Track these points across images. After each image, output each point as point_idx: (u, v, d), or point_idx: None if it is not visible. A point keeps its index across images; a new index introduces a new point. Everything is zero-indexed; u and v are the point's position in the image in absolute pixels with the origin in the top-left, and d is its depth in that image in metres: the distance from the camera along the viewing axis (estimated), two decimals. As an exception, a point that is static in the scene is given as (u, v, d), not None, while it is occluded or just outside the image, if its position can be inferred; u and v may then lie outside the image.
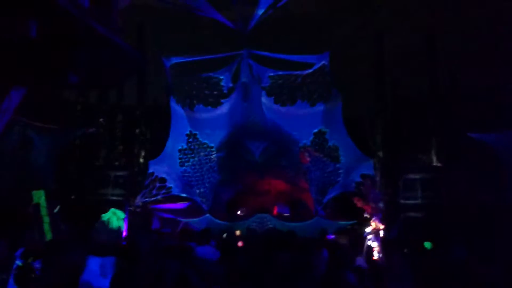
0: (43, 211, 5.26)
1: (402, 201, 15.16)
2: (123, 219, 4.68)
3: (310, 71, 15.42)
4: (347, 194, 16.83)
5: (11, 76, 3.39)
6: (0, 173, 14.91)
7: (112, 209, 4.62)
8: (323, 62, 15.20)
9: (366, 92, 19.08)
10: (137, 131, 19.68)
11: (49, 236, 5.19)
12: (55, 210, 5.30)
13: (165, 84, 16.25)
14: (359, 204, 12.07)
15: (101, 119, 20.26)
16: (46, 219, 5.18)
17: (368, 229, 10.67)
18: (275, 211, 15.91)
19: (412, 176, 13.79)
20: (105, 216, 4.37)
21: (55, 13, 3.18)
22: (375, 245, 10.14)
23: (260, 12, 14.82)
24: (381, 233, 10.58)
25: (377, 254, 9.82)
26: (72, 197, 20.08)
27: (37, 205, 5.31)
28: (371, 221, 11.03)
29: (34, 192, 5.23)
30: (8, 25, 3.01)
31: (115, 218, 4.33)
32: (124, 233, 13.49)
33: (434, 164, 17.39)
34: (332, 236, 14.64)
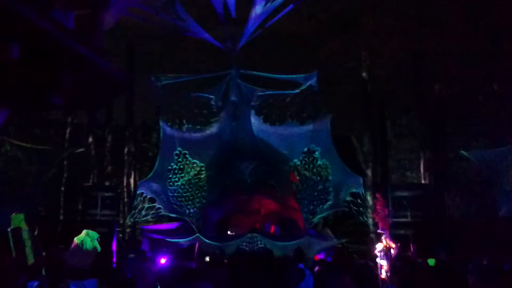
0: (25, 234, 5.19)
1: (392, 219, 15.19)
2: (97, 239, 4.63)
3: (298, 90, 15.56)
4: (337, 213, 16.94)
5: (-7, 98, 3.38)
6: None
7: (85, 230, 4.58)
8: (311, 81, 15.34)
9: (354, 111, 19.24)
10: (126, 151, 19.63)
11: (30, 259, 5.12)
12: (35, 233, 5.23)
13: (155, 104, 16.30)
14: (376, 218, 11.99)
15: (90, 139, 20.20)
16: (28, 243, 5.10)
17: (378, 247, 10.57)
18: (271, 230, 15.84)
19: (401, 193, 13.83)
20: (79, 239, 4.31)
21: (38, 35, 3.19)
22: (384, 263, 10.04)
23: (249, 32, 14.99)
24: (392, 251, 10.47)
25: (385, 273, 9.73)
26: (61, 218, 19.91)
27: (18, 229, 5.23)
28: (382, 239, 10.92)
29: (14, 216, 5.15)
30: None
31: (89, 239, 4.28)
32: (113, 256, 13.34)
33: (423, 181, 17.52)
34: (322, 255, 14.63)
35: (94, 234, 4.70)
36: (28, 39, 3.10)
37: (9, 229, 5.61)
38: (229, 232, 15.92)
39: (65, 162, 19.94)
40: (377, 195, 11.67)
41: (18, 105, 3.85)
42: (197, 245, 13.10)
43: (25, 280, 4.30)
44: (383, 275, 9.69)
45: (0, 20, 2.82)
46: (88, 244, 4.46)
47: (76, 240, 4.54)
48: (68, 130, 20.68)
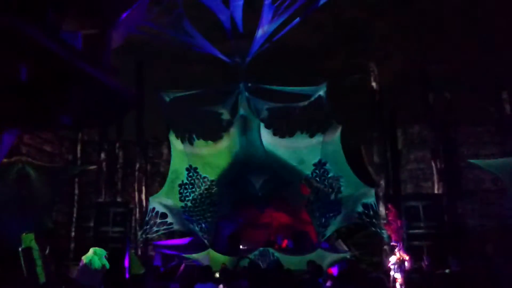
0: (36, 254, 5.18)
1: (405, 230, 15.03)
2: (105, 256, 4.59)
3: (307, 102, 15.54)
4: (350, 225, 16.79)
5: (2, 119, 3.40)
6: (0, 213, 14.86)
7: (92, 248, 4.55)
8: (320, 93, 15.32)
9: (364, 121, 19.17)
10: (137, 166, 19.69)
11: (42, 279, 5.11)
12: (47, 251, 5.23)
13: (164, 119, 16.37)
14: (389, 230, 11.83)
15: (102, 156, 20.31)
16: (39, 262, 5.10)
17: (392, 260, 10.41)
18: (284, 244, 15.74)
19: (413, 204, 13.66)
20: (87, 258, 4.28)
21: (46, 56, 3.21)
22: (398, 276, 9.87)
23: (256, 46, 15.06)
24: (406, 264, 10.29)
25: (400, 286, 9.57)
26: (72, 234, 19.97)
27: (29, 249, 5.23)
28: (396, 251, 10.76)
29: (24, 236, 5.15)
30: (-3, 69, 3.03)
31: (97, 258, 4.25)
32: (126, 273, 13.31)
33: (436, 191, 17.32)
34: (336, 268, 14.48)
35: (102, 252, 4.66)
36: (36, 60, 3.13)
37: (20, 249, 5.62)
38: (241, 246, 15.85)
39: (76, 179, 20.05)
40: (389, 206, 11.52)
41: (27, 126, 3.87)
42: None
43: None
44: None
45: (8, 42, 2.85)
46: (97, 263, 4.42)
47: (84, 259, 4.50)
48: (79, 147, 20.82)
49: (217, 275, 10.15)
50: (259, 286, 6.20)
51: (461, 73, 19.84)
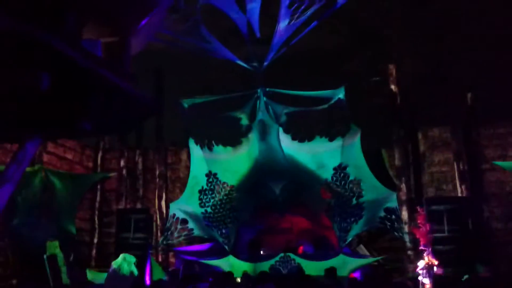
0: (60, 261, 5.24)
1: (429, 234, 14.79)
2: (134, 263, 4.60)
3: (326, 106, 15.43)
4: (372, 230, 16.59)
5: (24, 127, 3.43)
6: (23, 220, 15.10)
7: (122, 255, 4.56)
8: (339, 96, 15.20)
9: (384, 124, 18.95)
10: (157, 173, 19.81)
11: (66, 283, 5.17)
12: (70, 259, 5.28)
13: (183, 125, 16.45)
14: (418, 234, 11.61)
15: (122, 163, 20.50)
16: (64, 269, 5.15)
17: (420, 264, 10.19)
18: (300, 250, 15.62)
19: (437, 207, 13.43)
20: (116, 263, 4.29)
21: (67, 64, 3.23)
22: (426, 281, 9.65)
23: (274, 51, 15.04)
24: (435, 269, 10.06)
25: None
26: (95, 241, 20.18)
27: (54, 256, 5.29)
28: (424, 255, 10.54)
29: (49, 243, 5.21)
30: (19, 77, 3.06)
31: (126, 264, 4.26)
32: (147, 279, 13.37)
33: (459, 194, 17.01)
34: (358, 273, 14.31)
35: (132, 258, 4.71)
36: (57, 68, 3.15)
37: (45, 256, 5.71)
38: (261, 252, 15.79)
39: (97, 186, 20.27)
40: (419, 209, 11.27)
41: (49, 134, 3.90)
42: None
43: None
44: None
45: (29, 51, 2.88)
46: (125, 270, 4.46)
47: (113, 264, 4.54)
48: (99, 155, 21.05)
49: (239, 280, 10.13)
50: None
51: (483, 73, 19.52)
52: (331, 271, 9.68)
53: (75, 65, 3.16)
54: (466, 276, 9.20)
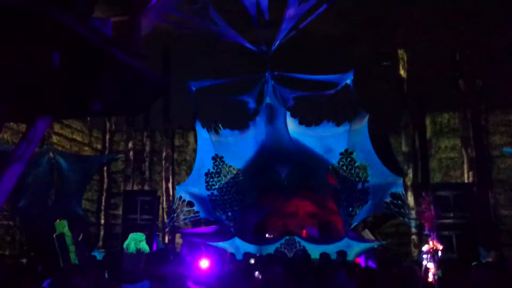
0: (68, 240, 5.32)
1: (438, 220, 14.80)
2: (144, 240, 4.66)
3: (334, 91, 15.36)
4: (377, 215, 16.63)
5: (35, 106, 3.45)
6: (31, 201, 15.26)
7: (132, 234, 4.64)
8: (347, 81, 15.12)
9: (392, 109, 18.85)
10: (164, 155, 19.89)
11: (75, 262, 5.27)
12: (79, 238, 5.36)
13: (191, 108, 16.47)
14: (422, 219, 11.61)
15: (129, 145, 20.60)
16: (72, 248, 5.24)
17: (424, 249, 10.22)
18: (304, 234, 15.67)
19: (443, 193, 13.41)
20: (126, 243, 4.37)
21: (78, 42, 3.23)
22: (431, 266, 9.68)
23: (283, 34, 14.92)
24: (439, 253, 10.08)
25: (433, 276, 9.39)
26: (102, 222, 20.37)
27: (62, 235, 5.37)
28: (429, 240, 10.56)
29: (57, 223, 5.30)
30: (30, 55, 3.06)
31: (133, 242, 4.33)
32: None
33: (466, 181, 16.98)
34: (362, 258, 14.38)
35: (138, 236, 4.75)
36: (68, 47, 3.15)
37: (54, 235, 5.79)
38: (267, 235, 15.88)
39: (105, 168, 20.40)
40: (424, 194, 11.27)
41: (60, 112, 3.92)
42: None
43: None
44: (430, 278, 9.35)
45: (42, 29, 2.88)
46: (132, 248, 4.51)
47: (124, 245, 4.60)
48: (107, 137, 21.15)
49: (252, 261, 10.24)
50: (289, 273, 6.21)
51: (492, 60, 19.30)
52: (342, 254, 9.73)
53: (86, 44, 3.16)
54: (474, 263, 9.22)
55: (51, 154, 16.33)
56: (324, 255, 9.52)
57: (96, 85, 3.36)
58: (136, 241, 4.62)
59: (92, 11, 3.51)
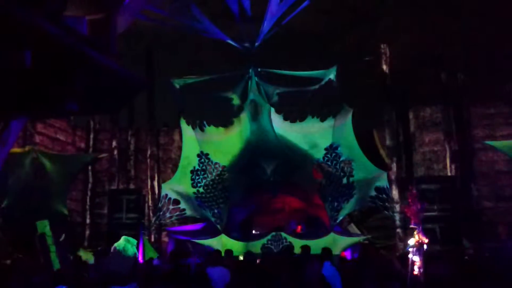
0: (49, 240, 5.27)
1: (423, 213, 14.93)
2: (136, 245, 4.64)
3: (317, 86, 15.38)
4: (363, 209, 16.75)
5: (9, 106, 3.39)
6: (15, 202, 15.08)
7: (124, 237, 4.60)
8: (330, 76, 15.14)
9: (375, 104, 18.97)
10: (149, 153, 19.79)
11: (56, 265, 5.18)
12: (61, 239, 5.31)
13: (175, 106, 16.37)
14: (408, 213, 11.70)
15: (113, 143, 20.45)
16: (53, 248, 5.18)
17: (410, 242, 10.30)
18: (298, 229, 15.72)
19: (426, 187, 13.55)
20: (120, 245, 4.33)
21: (50, 41, 3.19)
22: (416, 259, 9.74)
23: (265, 30, 14.89)
24: (425, 247, 10.16)
25: (418, 269, 9.46)
26: (87, 222, 20.22)
27: (43, 235, 5.31)
28: (415, 233, 10.64)
29: (39, 223, 5.24)
30: (2, 55, 3.01)
31: (130, 245, 4.31)
32: (140, 259, 13.45)
33: (449, 174, 17.17)
34: (349, 252, 14.48)
35: (133, 241, 4.76)
36: (40, 46, 3.10)
37: (36, 235, 5.74)
38: (253, 232, 15.91)
39: (89, 167, 20.23)
40: (410, 188, 11.37)
41: (34, 113, 3.86)
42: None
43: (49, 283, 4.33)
44: (416, 271, 9.43)
45: (11, 28, 2.83)
46: (130, 251, 4.49)
47: (116, 246, 4.56)
48: (91, 136, 20.97)
49: (241, 258, 10.29)
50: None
51: (474, 54, 19.52)
52: (327, 251, 9.78)
53: (59, 43, 3.11)
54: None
55: (34, 155, 16.14)
56: (304, 248, 9.55)
57: (69, 85, 3.32)
58: (132, 245, 4.61)
59: (64, 8, 3.45)
